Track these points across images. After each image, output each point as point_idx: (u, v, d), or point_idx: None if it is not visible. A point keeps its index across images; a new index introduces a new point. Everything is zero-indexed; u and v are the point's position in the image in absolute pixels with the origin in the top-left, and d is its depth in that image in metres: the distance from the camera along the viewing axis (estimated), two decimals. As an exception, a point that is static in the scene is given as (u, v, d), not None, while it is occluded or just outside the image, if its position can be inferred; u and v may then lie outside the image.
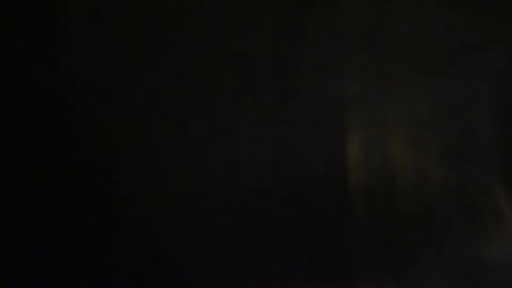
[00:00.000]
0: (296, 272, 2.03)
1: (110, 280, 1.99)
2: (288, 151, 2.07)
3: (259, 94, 2.06)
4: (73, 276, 1.97)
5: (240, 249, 2.03)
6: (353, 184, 2.07)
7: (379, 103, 2.10)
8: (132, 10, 2.02)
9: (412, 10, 2.08)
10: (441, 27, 2.08)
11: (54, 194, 2.00)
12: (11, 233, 1.97)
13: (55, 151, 2.01)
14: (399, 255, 2.04)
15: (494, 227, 2.08)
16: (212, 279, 2.00)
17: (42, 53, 2.01)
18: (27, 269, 1.97)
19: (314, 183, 2.06)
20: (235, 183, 2.04)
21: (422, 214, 2.07)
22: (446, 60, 2.09)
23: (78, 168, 2.00)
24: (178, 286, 2.00)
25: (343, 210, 2.06)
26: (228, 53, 2.04)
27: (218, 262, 2.02)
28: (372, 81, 2.09)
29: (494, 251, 2.06)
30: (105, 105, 2.02)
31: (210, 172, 2.04)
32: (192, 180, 2.04)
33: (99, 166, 2.01)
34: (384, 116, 2.10)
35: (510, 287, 2.02)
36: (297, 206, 2.05)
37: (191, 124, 2.04)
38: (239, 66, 2.05)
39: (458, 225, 2.07)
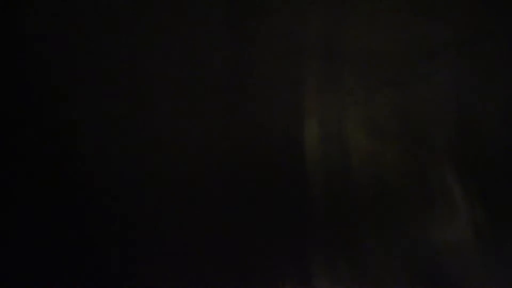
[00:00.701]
0: (253, 248, 2.08)
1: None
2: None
3: (204, 105, 2.06)
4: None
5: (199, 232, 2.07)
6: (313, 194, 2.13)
7: (334, 114, 2.14)
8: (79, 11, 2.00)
9: (366, 18, 2.11)
10: (396, 36, 2.13)
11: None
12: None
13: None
14: (354, 237, 2.12)
15: (445, 211, 2.19)
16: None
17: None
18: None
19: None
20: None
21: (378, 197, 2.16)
22: (401, 69, 2.15)
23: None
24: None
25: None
26: (169, 62, 2.04)
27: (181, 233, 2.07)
28: (327, 91, 2.13)
29: (445, 234, 2.18)
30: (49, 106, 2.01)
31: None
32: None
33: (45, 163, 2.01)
34: (340, 128, 2.15)
35: (458, 267, 2.13)
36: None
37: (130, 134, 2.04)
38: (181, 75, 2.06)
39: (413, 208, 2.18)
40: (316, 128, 2.12)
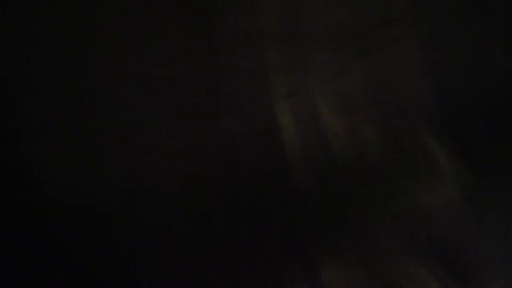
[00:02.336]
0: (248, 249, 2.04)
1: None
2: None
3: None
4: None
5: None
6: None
7: (311, 96, 2.10)
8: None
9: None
10: (353, 7, 2.11)
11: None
12: None
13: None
14: (345, 217, 2.11)
15: (429, 174, 2.19)
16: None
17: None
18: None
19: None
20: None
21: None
22: (363, 39, 2.13)
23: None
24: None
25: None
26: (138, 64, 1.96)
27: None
28: (299, 75, 2.09)
29: (432, 200, 2.17)
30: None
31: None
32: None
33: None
34: (319, 109, 2.11)
35: (447, 229, 2.13)
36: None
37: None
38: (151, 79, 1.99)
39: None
40: (290, 114, 2.10)
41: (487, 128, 2.23)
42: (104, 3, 1.83)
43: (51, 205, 1.90)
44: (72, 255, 1.90)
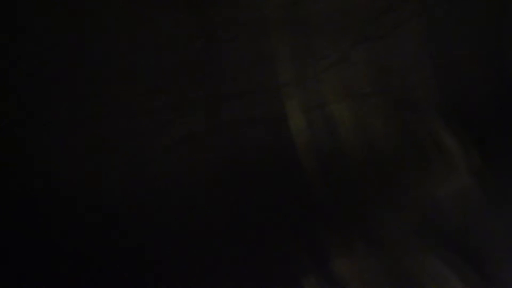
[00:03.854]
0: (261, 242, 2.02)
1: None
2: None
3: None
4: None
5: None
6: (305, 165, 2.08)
7: (314, 84, 2.09)
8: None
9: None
10: None
11: None
12: None
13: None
14: (358, 208, 2.09)
15: (441, 162, 2.16)
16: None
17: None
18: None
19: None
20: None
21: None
22: (367, 25, 2.11)
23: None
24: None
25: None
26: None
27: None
28: (301, 62, 2.07)
29: (444, 188, 2.15)
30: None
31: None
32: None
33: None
34: (322, 97, 2.10)
35: (460, 218, 2.10)
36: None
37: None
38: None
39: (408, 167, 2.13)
40: (296, 102, 2.08)
41: (498, 115, 2.21)
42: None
43: (52, 201, 1.90)
44: (75, 253, 1.90)
